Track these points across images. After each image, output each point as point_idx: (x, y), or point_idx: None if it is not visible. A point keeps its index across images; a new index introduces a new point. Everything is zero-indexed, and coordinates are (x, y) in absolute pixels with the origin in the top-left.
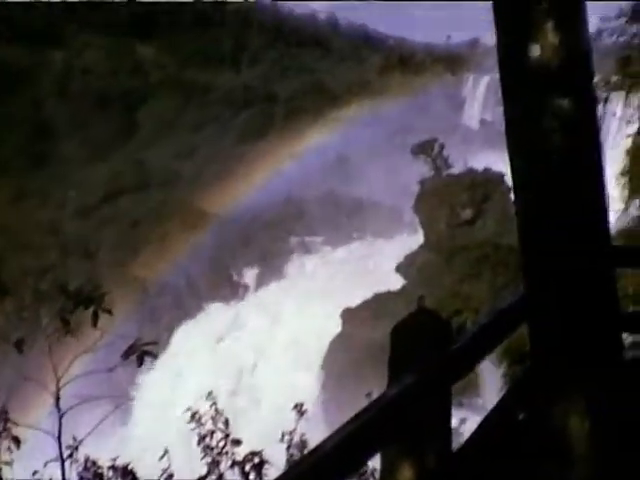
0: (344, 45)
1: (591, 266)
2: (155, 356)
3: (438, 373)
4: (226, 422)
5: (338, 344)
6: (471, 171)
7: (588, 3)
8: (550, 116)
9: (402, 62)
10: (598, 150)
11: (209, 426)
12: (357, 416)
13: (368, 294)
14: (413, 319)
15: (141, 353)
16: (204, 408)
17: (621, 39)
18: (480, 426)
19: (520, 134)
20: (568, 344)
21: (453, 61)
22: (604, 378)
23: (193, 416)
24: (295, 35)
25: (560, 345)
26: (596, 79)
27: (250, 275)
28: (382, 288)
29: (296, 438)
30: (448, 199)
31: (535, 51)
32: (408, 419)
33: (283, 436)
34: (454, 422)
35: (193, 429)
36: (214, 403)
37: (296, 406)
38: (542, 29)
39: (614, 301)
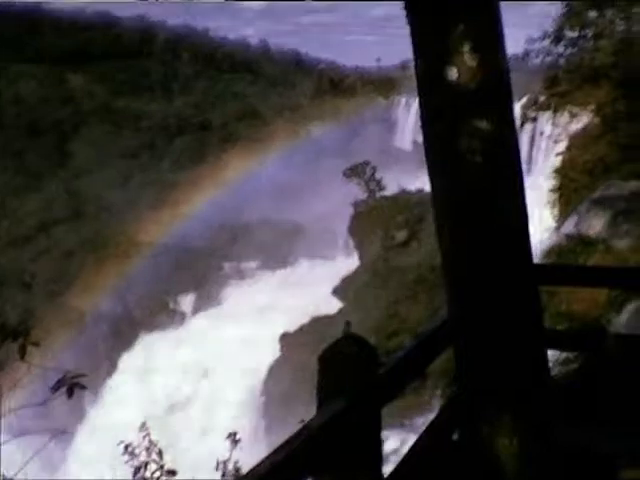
0: (275, 70)
1: (513, 286)
2: (85, 387)
3: (366, 398)
4: (160, 453)
5: (277, 369)
6: (405, 193)
7: (515, 24)
8: (469, 137)
9: (333, 86)
10: (518, 170)
11: (143, 457)
12: (284, 445)
13: (305, 318)
14: (340, 345)
15: (71, 385)
16: (138, 439)
17: (547, 60)
18: (412, 448)
19: (440, 155)
20: (492, 365)
21: (384, 84)
22: (530, 396)
23: (126, 448)
24: (227, 61)
25: (485, 366)
26: (524, 99)
27: (186, 302)
28: (319, 312)
29: (230, 466)
30: (382, 221)
31: (453, 74)
32: (337, 445)
33: (218, 465)
34: (395, 443)
35: (127, 461)
36: (147, 434)
37: (230, 435)
38: (459, 53)
39: (538, 319)
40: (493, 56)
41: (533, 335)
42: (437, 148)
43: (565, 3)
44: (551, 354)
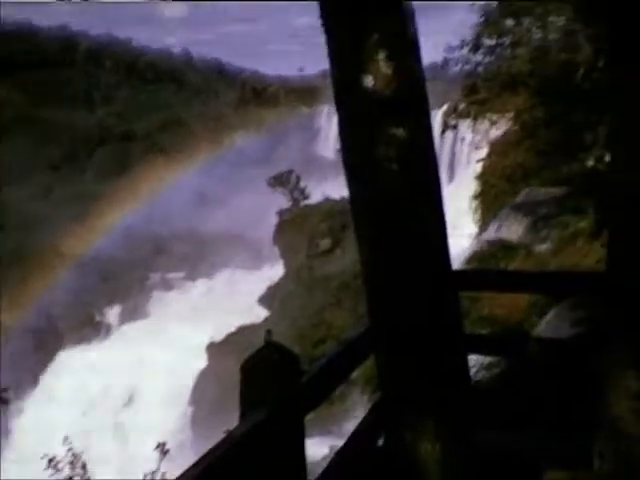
0: (198, 79)
1: (432, 292)
2: (6, 402)
3: (288, 407)
4: (83, 466)
5: (204, 379)
6: (328, 201)
7: (436, 32)
8: (386, 145)
9: (256, 95)
10: (435, 177)
11: (67, 472)
12: (206, 455)
13: (231, 328)
14: (261, 354)
15: None
16: (62, 453)
17: (466, 68)
18: (337, 454)
19: (357, 163)
20: (413, 371)
21: (307, 93)
22: (451, 401)
23: (50, 462)
24: (150, 71)
25: (406, 372)
26: (445, 107)
27: (112, 314)
28: (246, 321)
29: (158, 477)
30: (306, 229)
31: (369, 82)
32: (260, 454)
33: (145, 476)
34: (324, 450)
35: (51, 475)
36: (70, 448)
37: (158, 445)
38: (374, 61)
39: (458, 325)
40: (408, 64)
41: (453, 341)
42: (354, 156)
43: (483, 11)
44: (475, 358)
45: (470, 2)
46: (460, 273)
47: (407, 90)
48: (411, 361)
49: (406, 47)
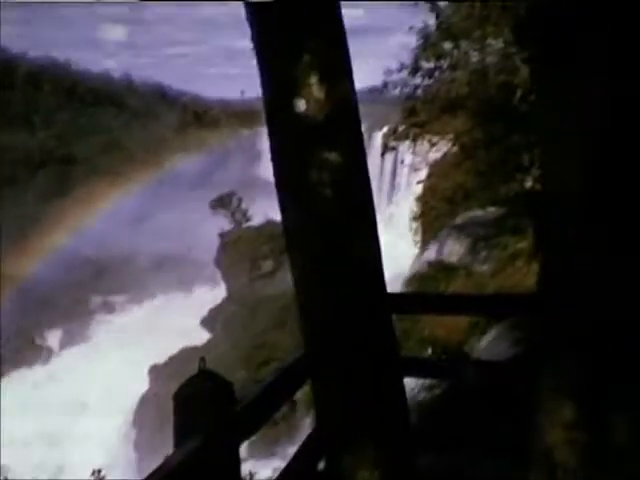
0: (139, 103)
1: (367, 316)
2: None
3: (222, 435)
4: None
5: (146, 402)
6: (270, 222)
7: (375, 55)
8: (318, 170)
9: (198, 118)
10: (369, 202)
11: None
12: None
13: (174, 350)
14: (194, 382)
15: None
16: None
17: (405, 91)
18: (278, 479)
19: (290, 189)
20: (350, 396)
21: (248, 115)
22: (389, 425)
23: None
24: (90, 94)
25: (342, 397)
26: (385, 130)
27: (53, 337)
28: (188, 343)
29: None
30: (249, 251)
31: (301, 106)
32: None
33: None
34: (267, 473)
35: None
36: (6, 478)
37: (94, 472)
38: (306, 84)
39: (393, 348)
40: (341, 87)
41: (389, 365)
42: (287, 181)
43: (421, 34)
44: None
45: (408, 26)
46: (396, 296)
47: (340, 113)
48: (347, 386)
49: (339, 70)
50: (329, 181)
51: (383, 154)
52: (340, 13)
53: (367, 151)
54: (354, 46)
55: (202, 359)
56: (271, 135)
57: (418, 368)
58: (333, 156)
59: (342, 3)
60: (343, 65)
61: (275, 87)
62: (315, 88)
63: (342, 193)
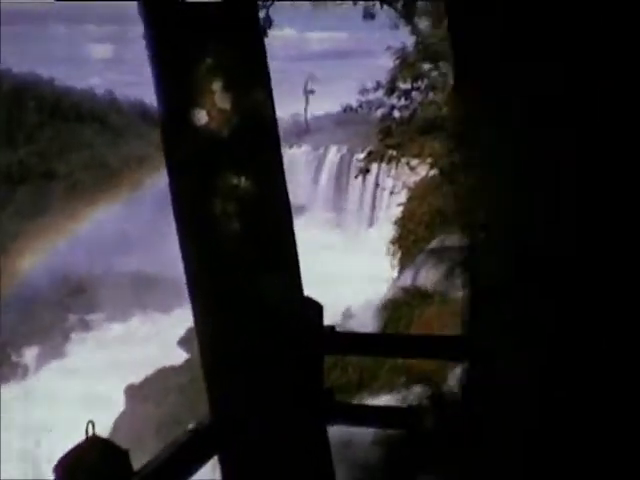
0: (122, 120)
1: (286, 368)
2: None
3: None
4: None
5: (122, 422)
6: None
7: (350, 77)
8: (223, 198)
9: None
10: (290, 236)
11: None
12: None
13: (150, 370)
14: (80, 451)
15: None
16: None
17: (381, 111)
18: None
19: (189, 221)
20: (264, 462)
21: None
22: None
23: None
24: (74, 111)
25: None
26: (360, 151)
27: (30, 355)
28: (165, 363)
29: None
30: None
31: (201, 119)
32: None
33: None
34: None
35: None
36: None
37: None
38: (209, 92)
39: (317, 397)
40: (254, 96)
41: (310, 418)
42: (186, 211)
43: (399, 54)
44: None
45: (388, 48)
46: (337, 335)
47: (252, 129)
48: (261, 453)
49: (251, 75)
50: (237, 212)
51: (357, 176)
52: (257, 12)
53: (348, 173)
54: (336, 68)
55: (91, 423)
56: (167, 157)
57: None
58: (243, 182)
59: (327, 26)
60: (258, 70)
61: (171, 95)
62: (220, 97)
63: (255, 227)
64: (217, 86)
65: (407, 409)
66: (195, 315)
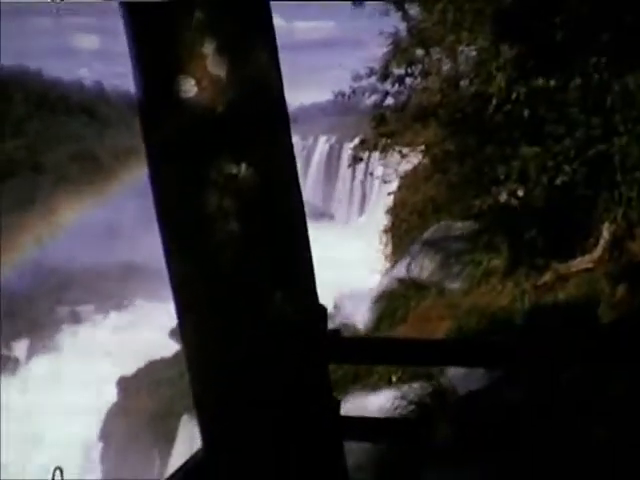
0: (110, 111)
1: (291, 391)
2: None
3: None
4: None
5: (114, 414)
6: None
7: (339, 66)
8: (219, 191)
9: None
10: (302, 237)
11: None
12: None
13: (142, 362)
14: None
15: None
16: None
17: (374, 98)
18: None
19: (173, 217)
20: None
21: None
22: None
23: None
24: (62, 103)
25: None
26: (354, 139)
27: (20, 348)
28: (156, 355)
29: None
30: None
31: (189, 89)
32: None
33: None
34: None
35: None
36: None
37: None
38: (197, 55)
39: (327, 413)
40: (256, 61)
41: (323, 440)
42: (168, 206)
43: (392, 39)
44: None
45: (380, 34)
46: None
47: (253, 102)
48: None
49: (251, 35)
50: (235, 209)
51: (350, 166)
52: None
53: (338, 163)
54: (325, 58)
55: (58, 469)
56: (146, 142)
57: (366, 430)
58: (242, 169)
59: (313, 16)
60: (259, 28)
61: (150, 61)
62: (213, 62)
63: (257, 225)
64: (209, 48)
65: (417, 421)
66: (182, 336)
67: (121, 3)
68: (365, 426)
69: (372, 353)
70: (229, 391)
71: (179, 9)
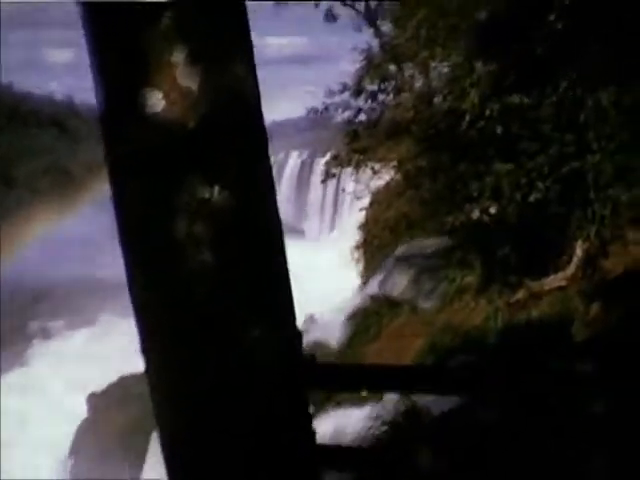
0: (82, 125)
1: (264, 425)
2: None
3: None
4: None
5: (84, 430)
6: None
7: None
8: (188, 216)
9: None
10: (280, 264)
11: None
12: None
13: (113, 377)
14: None
15: None
16: None
17: (346, 114)
18: None
19: (137, 236)
20: None
21: None
22: None
23: None
24: (33, 116)
25: None
26: (327, 155)
27: None
28: (127, 370)
29: None
30: None
31: (155, 102)
32: None
33: None
34: None
35: None
36: None
37: None
38: (166, 64)
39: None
40: (231, 72)
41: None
42: (132, 230)
43: (364, 55)
44: None
45: (353, 50)
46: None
47: (227, 116)
48: None
49: (227, 43)
50: (207, 234)
51: (322, 181)
52: None
53: (309, 178)
54: (298, 73)
55: None
56: (108, 158)
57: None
58: (215, 192)
59: (285, 31)
60: (235, 36)
61: (113, 72)
62: (182, 72)
63: (231, 252)
64: (179, 57)
65: (396, 448)
66: (146, 368)
67: (80, 4)
68: (342, 455)
69: (349, 380)
70: (194, 422)
71: (145, 13)
